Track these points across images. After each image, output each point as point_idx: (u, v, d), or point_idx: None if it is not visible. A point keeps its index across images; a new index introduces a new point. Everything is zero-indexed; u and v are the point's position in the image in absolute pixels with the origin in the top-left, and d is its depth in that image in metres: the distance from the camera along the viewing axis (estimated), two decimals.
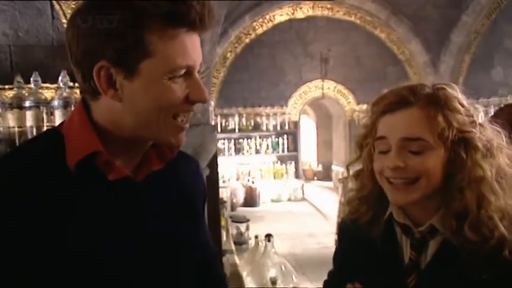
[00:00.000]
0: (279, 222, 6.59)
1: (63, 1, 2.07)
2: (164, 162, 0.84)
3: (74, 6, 2.03)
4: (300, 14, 8.24)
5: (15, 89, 1.85)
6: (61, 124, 0.82)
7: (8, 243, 0.68)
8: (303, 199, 8.33)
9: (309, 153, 10.74)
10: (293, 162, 8.53)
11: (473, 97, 1.05)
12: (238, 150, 8.26)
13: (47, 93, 1.92)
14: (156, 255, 0.80)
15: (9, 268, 0.68)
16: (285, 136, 8.50)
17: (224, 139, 8.01)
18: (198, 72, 0.78)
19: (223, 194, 5.91)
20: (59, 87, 1.88)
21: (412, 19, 7.65)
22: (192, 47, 0.75)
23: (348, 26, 8.33)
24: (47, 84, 1.94)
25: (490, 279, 0.83)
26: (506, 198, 0.87)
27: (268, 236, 2.33)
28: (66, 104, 1.82)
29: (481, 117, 0.92)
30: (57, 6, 2.08)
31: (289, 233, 5.92)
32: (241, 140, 8.26)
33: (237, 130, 8.19)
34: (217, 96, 8.07)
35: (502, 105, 2.50)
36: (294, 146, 8.57)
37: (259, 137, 8.38)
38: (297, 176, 8.60)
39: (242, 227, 3.23)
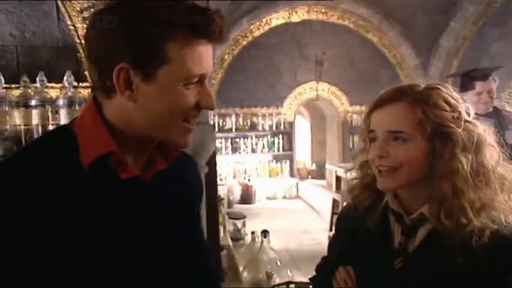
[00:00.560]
0: (274, 219, 6.57)
1: (67, 1, 2.06)
2: (169, 161, 0.85)
3: (78, 9, 2.06)
4: (295, 18, 8.16)
5: (21, 88, 1.88)
6: (71, 122, 0.81)
7: (23, 240, 0.68)
8: (297, 197, 8.32)
9: (303, 153, 10.62)
10: (288, 161, 8.54)
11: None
12: (235, 149, 8.24)
13: (52, 93, 1.94)
14: (158, 254, 0.81)
15: (24, 266, 0.68)
16: (281, 136, 8.49)
17: (221, 138, 7.97)
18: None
19: (221, 191, 5.78)
20: (63, 87, 1.92)
21: (403, 24, 7.67)
22: (207, 56, 0.77)
23: (341, 30, 8.32)
24: (52, 84, 1.97)
25: (463, 263, 0.87)
26: (479, 190, 0.91)
27: (265, 232, 2.33)
28: (70, 103, 1.85)
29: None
30: (62, 9, 2.09)
31: (284, 230, 5.91)
32: (238, 140, 8.24)
33: (234, 130, 8.18)
34: (215, 97, 7.78)
35: None
36: (289, 145, 8.56)
37: (256, 137, 8.37)
38: (291, 174, 8.59)
39: (239, 223, 3.19)
